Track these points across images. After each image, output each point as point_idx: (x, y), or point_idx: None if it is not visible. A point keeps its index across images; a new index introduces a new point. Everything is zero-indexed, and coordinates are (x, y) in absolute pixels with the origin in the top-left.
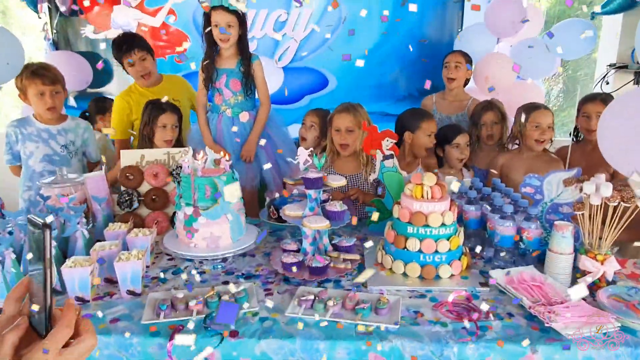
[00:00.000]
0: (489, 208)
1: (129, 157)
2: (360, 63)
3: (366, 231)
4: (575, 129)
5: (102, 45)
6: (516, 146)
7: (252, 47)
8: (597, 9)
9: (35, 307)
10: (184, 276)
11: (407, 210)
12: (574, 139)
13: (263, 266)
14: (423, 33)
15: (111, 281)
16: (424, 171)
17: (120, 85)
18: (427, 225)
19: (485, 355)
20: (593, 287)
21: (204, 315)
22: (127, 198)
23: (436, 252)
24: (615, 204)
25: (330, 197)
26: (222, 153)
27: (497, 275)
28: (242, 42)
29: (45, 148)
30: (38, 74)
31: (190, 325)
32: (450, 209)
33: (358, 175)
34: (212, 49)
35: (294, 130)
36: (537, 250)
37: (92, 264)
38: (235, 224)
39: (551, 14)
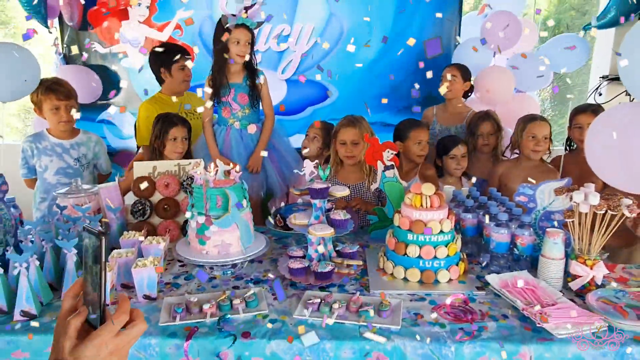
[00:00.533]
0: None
1: (141, 169)
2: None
3: (368, 238)
4: (568, 138)
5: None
6: (516, 155)
7: (257, 59)
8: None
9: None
10: (198, 278)
11: (407, 219)
12: (567, 149)
13: (271, 271)
14: (422, 48)
15: (127, 286)
16: (421, 181)
17: (128, 97)
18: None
19: (481, 354)
20: (583, 290)
21: (217, 318)
22: (140, 207)
23: (435, 258)
24: (603, 212)
25: (334, 206)
26: (231, 165)
27: (492, 280)
28: (250, 58)
29: (59, 162)
30: (53, 90)
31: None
32: (448, 217)
33: (361, 185)
34: (222, 64)
35: (297, 141)
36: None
37: (111, 269)
38: (245, 232)
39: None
